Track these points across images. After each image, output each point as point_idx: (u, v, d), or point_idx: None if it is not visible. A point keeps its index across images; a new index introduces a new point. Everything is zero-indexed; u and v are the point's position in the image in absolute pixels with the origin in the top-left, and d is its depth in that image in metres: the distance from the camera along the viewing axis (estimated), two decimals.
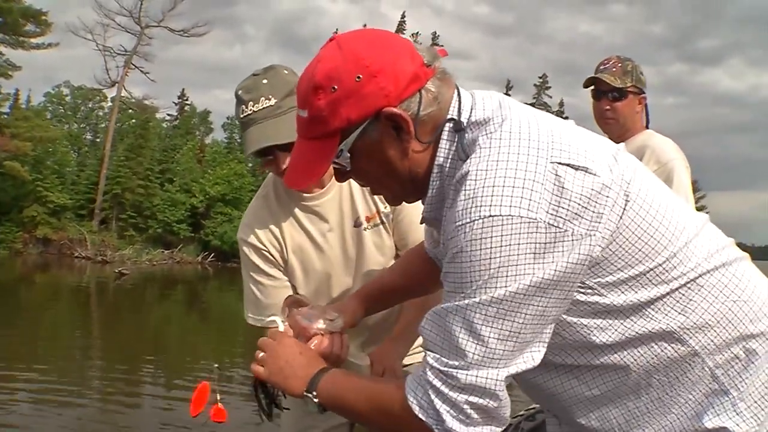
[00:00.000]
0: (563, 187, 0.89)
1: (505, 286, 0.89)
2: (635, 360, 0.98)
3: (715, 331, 0.97)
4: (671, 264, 0.96)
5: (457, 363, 0.93)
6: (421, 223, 1.20)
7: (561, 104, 53.47)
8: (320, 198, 1.80)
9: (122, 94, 43.84)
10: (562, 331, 0.98)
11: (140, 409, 6.36)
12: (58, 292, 18.77)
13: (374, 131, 1.01)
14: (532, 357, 0.95)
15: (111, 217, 38.22)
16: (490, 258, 0.89)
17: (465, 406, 0.93)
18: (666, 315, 0.96)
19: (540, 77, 55.57)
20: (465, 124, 1.01)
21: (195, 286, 24.62)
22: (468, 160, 0.96)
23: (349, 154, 1.03)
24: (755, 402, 0.97)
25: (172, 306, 17.65)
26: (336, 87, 0.98)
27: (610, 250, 0.93)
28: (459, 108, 1.03)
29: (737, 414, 0.96)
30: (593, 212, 0.90)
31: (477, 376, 0.92)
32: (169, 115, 52.63)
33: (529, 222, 0.88)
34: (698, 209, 1.30)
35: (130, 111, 46.97)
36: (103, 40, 43.47)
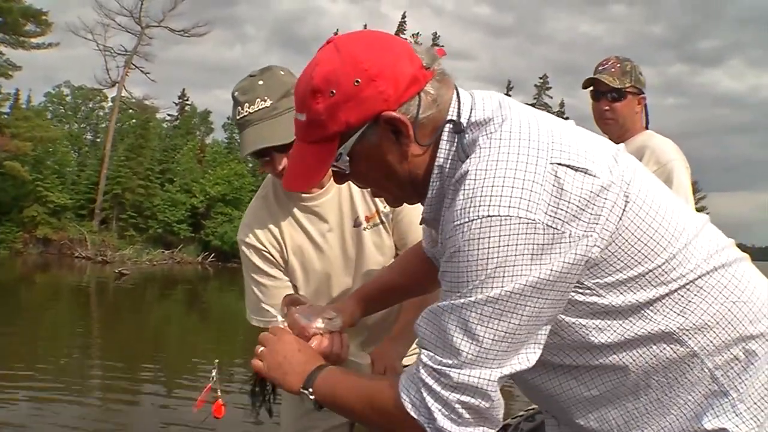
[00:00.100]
0: (562, 189, 0.89)
1: (502, 286, 0.89)
2: (634, 361, 0.98)
3: (714, 332, 0.97)
4: (671, 265, 0.96)
5: (450, 361, 0.93)
6: (421, 223, 1.20)
7: (562, 105, 53.49)
8: (320, 198, 1.80)
9: (123, 94, 43.88)
10: (561, 331, 0.98)
11: (140, 409, 6.35)
12: (58, 292, 18.77)
13: (373, 135, 1.01)
14: (527, 358, 0.95)
15: (111, 217, 38.24)
16: (488, 258, 0.88)
17: (457, 406, 0.93)
18: (665, 316, 0.96)
19: (540, 78, 55.59)
20: (465, 125, 1.01)
21: (195, 286, 24.61)
22: (468, 160, 0.96)
23: (348, 158, 1.02)
24: (755, 403, 0.97)
25: (173, 306, 17.64)
26: (334, 91, 0.98)
27: (610, 251, 0.93)
28: (458, 109, 1.03)
29: (737, 415, 0.96)
30: (591, 214, 0.90)
31: (470, 376, 0.92)
32: (169, 115, 52.71)
33: (528, 223, 0.88)
34: (699, 210, 1.30)
35: (131, 111, 46.97)
36: (103, 40, 43.56)
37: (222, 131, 53.37)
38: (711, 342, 0.97)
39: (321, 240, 1.81)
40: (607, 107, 2.63)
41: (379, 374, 1.63)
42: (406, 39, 1.09)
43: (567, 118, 1.12)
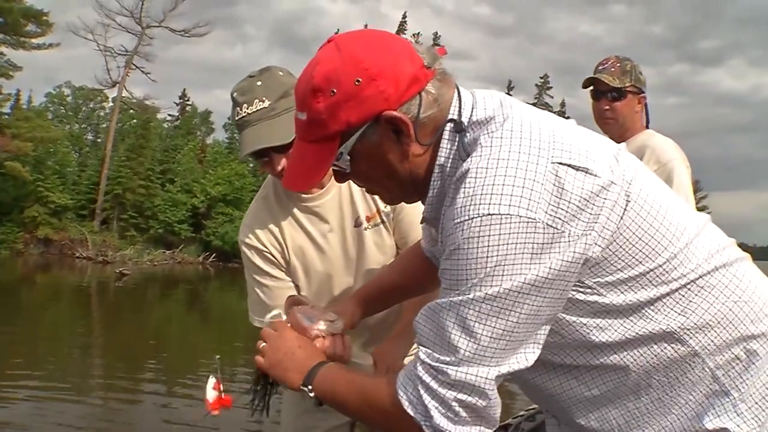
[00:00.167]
0: (563, 188, 0.89)
1: (500, 284, 0.89)
2: (635, 360, 0.98)
3: (715, 331, 0.97)
4: (672, 265, 0.96)
5: (448, 359, 0.93)
6: (421, 222, 1.20)
7: (562, 104, 53.45)
8: (320, 199, 1.80)
9: (123, 95, 43.88)
10: (562, 330, 0.98)
11: (142, 408, 6.36)
12: (59, 293, 18.78)
13: (374, 134, 1.00)
14: (525, 357, 0.94)
15: (112, 217, 38.26)
16: (487, 256, 0.88)
17: (453, 404, 0.93)
18: (666, 315, 0.96)
19: (541, 77, 55.58)
20: (466, 125, 1.01)
21: (196, 286, 24.62)
22: (469, 159, 0.95)
23: (348, 157, 1.02)
24: (756, 403, 0.97)
25: (174, 306, 17.65)
26: (335, 90, 0.98)
27: (611, 250, 0.93)
28: (459, 108, 1.02)
29: (738, 415, 0.96)
30: (590, 213, 0.90)
31: (467, 373, 0.92)
32: (170, 115, 52.74)
33: (528, 222, 0.87)
34: (700, 209, 1.30)
35: (131, 111, 46.96)
36: (104, 40, 43.55)
37: (223, 131, 53.41)
38: (712, 341, 0.97)
39: (322, 240, 1.81)
40: (607, 107, 2.63)
41: (382, 374, 1.63)
42: (406, 39, 1.09)
43: (568, 118, 1.12)
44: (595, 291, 0.95)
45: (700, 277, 0.97)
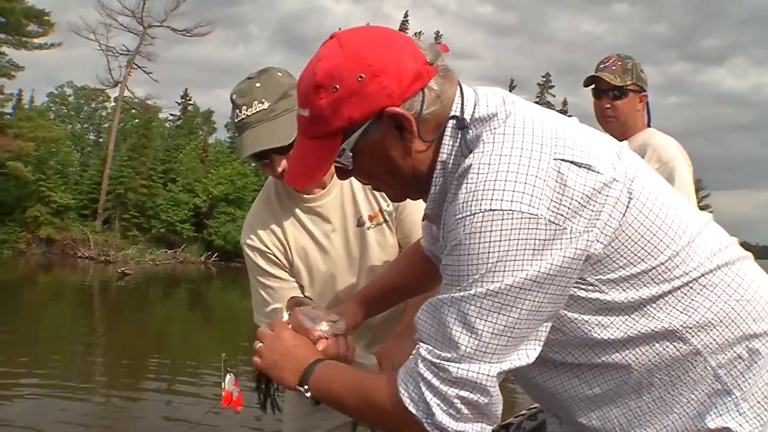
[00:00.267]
0: (565, 184, 0.89)
1: (502, 280, 0.89)
2: (637, 358, 0.98)
3: (717, 330, 0.97)
4: (674, 263, 0.96)
5: (449, 355, 0.92)
6: (423, 220, 1.19)
7: (564, 103, 53.32)
8: (322, 199, 1.80)
9: (125, 94, 43.86)
10: (563, 328, 0.98)
11: (143, 406, 6.38)
12: (61, 292, 18.80)
13: (377, 131, 1.00)
14: (526, 354, 0.94)
15: (114, 217, 38.25)
16: (489, 252, 0.88)
17: (455, 401, 0.93)
18: (668, 314, 0.96)
19: (543, 76, 55.44)
20: (468, 121, 1.01)
21: (198, 285, 24.64)
22: (471, 155, 0.95)
23: (351, 153, 1.02)
24: (758, 402, 0.96)
25: (175, 305, 17.66)
26: (338, 86, 0.97)
27: (613, 247, 0.93)
28: (462, 105, 1.02)
29: (740, 414, 0.96)
30: (592, 210, 0.90)
31: (469, 370, 0.91)
32: (172, 114, 52.67)
33: (530, 218, 0.87)
34: (702, 208, 1.30)
35: (133, 111, 46.95)
36: (105, 40, 43.48)
37: (225, 131, 53.33)
38: (714, 340, 0.97)
39: (325, 241, 1.81)
40: (608, 105, 2.62)
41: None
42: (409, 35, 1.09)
43: (570, 117, 1.12)
44: (596, 288, 0.95)
45: (703, 275, 0.97)
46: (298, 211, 1.81)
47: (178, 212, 38.14)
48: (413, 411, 0.96)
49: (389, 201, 1.79)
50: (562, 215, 0.89)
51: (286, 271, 1.82)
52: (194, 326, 13.71)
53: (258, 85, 1.64)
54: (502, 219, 0.87)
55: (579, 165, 0.91)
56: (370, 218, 1.80)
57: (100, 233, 36.46)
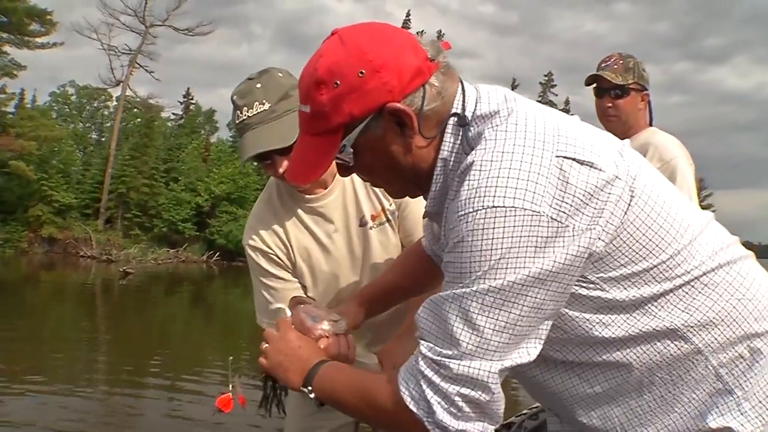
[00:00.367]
0: (567, 182, 0.89)
1: (504, 277, 0.88)
2: (638, 357, 0.98)
3: (719, 329, 0.96)
4: (675, 261, 0.95)
5: (450, 352, 0.92)
6: (424, 217, 1.19)
7: (567, 102, 53.28)
8: (324, 199, 1.79)
9: (127, 94, 43.94)
10: (564, 326, 0.98)
11: (145, 404, 6.39)
12: (63, 291, 18.82)
13: (377, 127, 1.00)
14: (527, 352, 0.94)
15: (116, 216, 38.30)
16: (491, 249, 0.88)
17: (456, 398, 0.92)
18: (669, 312, 0.96)
19: (545, 75, 55.38)
20: (470, 119, 1.01)
21: (200, 284, 24.65)
22: (473, 152, 0.95)
23: (352, 150, 1.02)
24: (760, 402, 0.96)
25: (177, 304, 17.68)
26: (338, 82, 0.97)
27: (614, 245, 0.93)
28: (463, 102, 1.02)
29: (742, 414, 0.96)
30: (594, 207, 0.90)
31: (470, 367, 0.91)
32: (174, 114, 52.74)
33: (532, 215, 0.87)
34: (705, 208, 1.29)
35: (135, 110, 47.06)
36: (107, 39, 43.63)
37: (227, 130, 53.24)
38: (715, 339, 0.96)
39: (327, 241, 1.81)
40: (609, 104, 2.62)
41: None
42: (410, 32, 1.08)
43: (572, 115, 1.12)
44: (598, 286, 0.95)
45: (704, 274, 0.97)
46: (300, 211, 1.81)
47: (180, 211, 38.19)
48: (414, 409, 0.95)
49: (392, 200, 1.79)
50: (564, 212, 0.88)
51: (288, 272, 1.82)
52: (196, 325, 13.72)
53: (258, 86, 1.64)
54: (505, 216, 0.87)
55: (581, 162, 0.91)
56: (373, 218, 1.80)
57: (102, 232, 36.51)
